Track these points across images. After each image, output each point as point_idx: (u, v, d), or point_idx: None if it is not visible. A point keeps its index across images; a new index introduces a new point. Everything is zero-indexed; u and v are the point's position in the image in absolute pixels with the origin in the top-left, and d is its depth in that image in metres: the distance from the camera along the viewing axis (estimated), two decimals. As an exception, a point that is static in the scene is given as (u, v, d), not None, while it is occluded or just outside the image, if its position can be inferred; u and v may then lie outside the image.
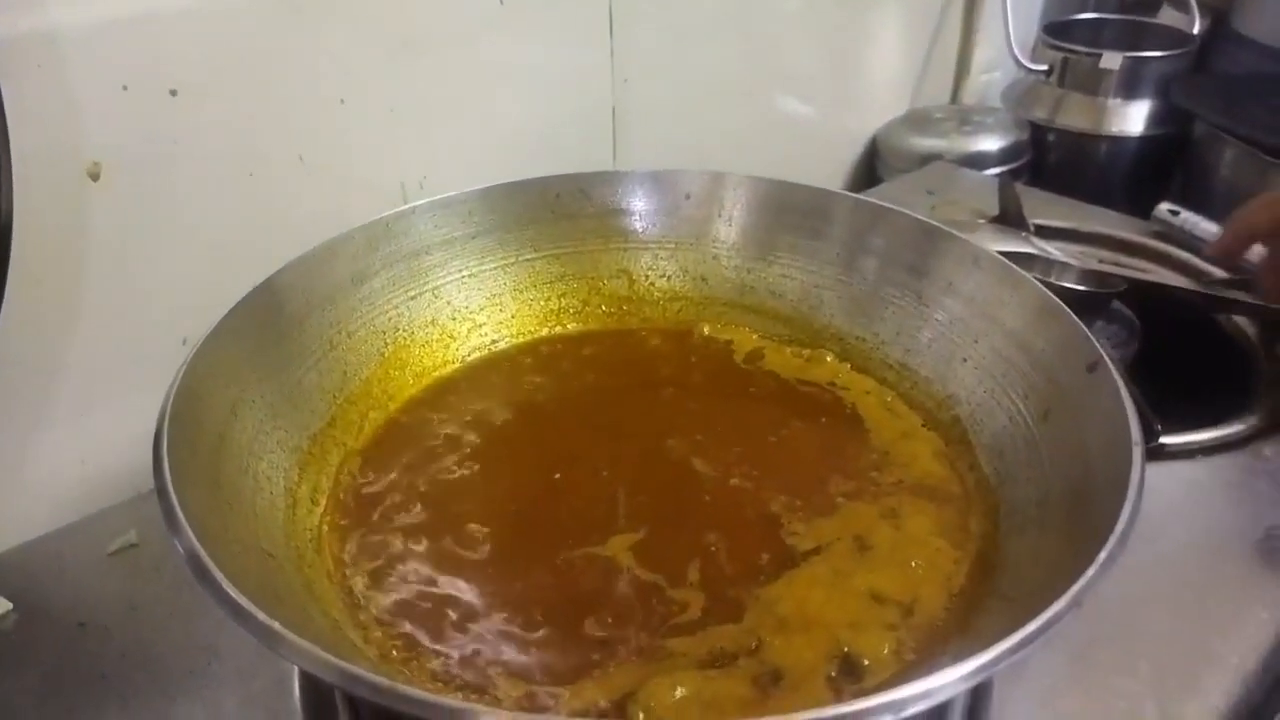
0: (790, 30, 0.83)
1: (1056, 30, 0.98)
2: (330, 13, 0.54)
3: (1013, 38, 0.95)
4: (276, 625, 0.28)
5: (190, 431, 0.36)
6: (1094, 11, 1.14)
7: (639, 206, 0.54)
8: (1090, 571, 0.30)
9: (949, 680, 0.27)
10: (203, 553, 0.30)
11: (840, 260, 0.51)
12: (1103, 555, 0.31)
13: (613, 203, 0.53)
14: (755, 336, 0.52)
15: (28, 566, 0.48)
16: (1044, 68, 0.96)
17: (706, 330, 0.53)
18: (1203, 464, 0.54)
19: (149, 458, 0.33)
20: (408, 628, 0.36)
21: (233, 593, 0.29)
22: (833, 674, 0.35)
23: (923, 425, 0.46)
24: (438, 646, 0.35)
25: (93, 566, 0.48)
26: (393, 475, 0.44)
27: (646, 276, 0.54)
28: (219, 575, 0.29)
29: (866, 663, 0.35)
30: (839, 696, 0.34)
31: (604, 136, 0.71)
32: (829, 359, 0.50)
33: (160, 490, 0.32)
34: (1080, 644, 0.43)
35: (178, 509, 0.31)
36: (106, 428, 0.52)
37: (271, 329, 0.43)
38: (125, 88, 0.48)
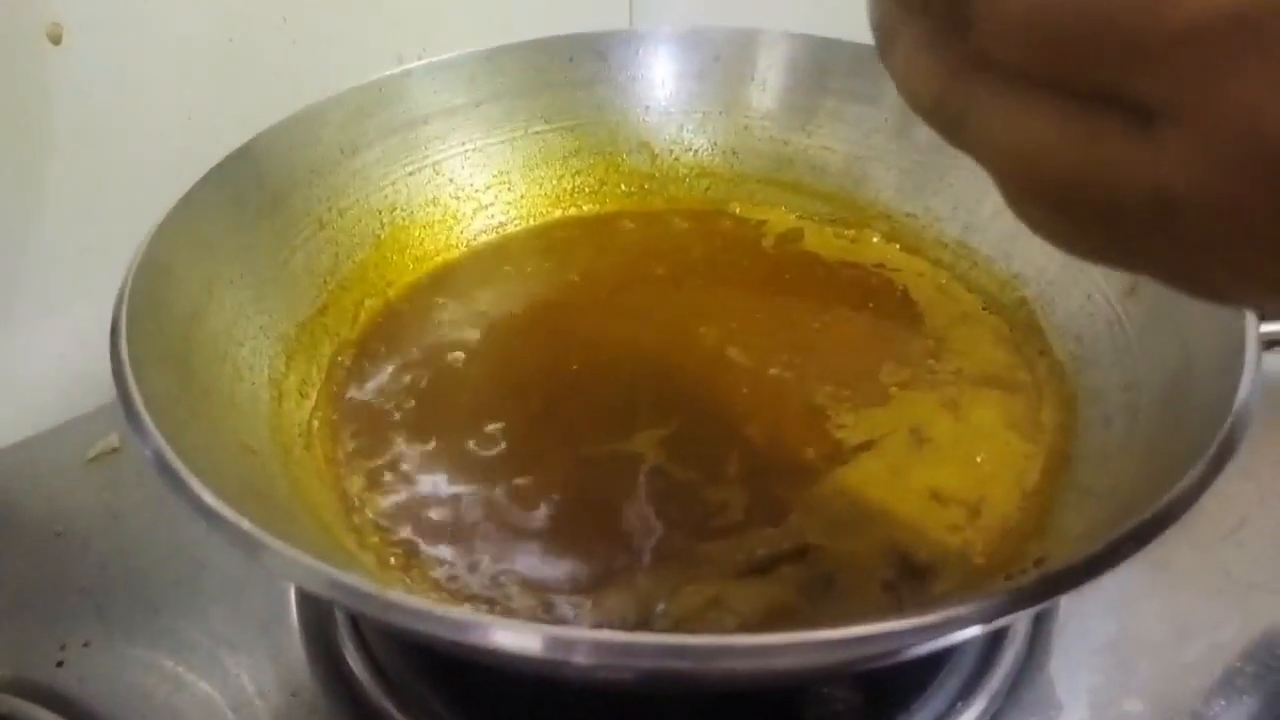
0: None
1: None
2: None
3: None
4: (251, 527, 0.23)
5: (157, 310, 0.31)
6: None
7: (662, 70, 0.48)
8: (1202, 463, 0.26)
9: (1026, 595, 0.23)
10: (167, 449, 0.25)
11: (890, 127, 0.45)
12: (1215, 443, 0.26)
13: (632, 66, 0.48)
14: (793, 216, 0.47)
15: (2, 475, 0.44)
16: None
17: (738, 210, 0.48)
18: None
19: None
20: (409, 532, 0.32)
21: (201, 492, 0.24)
22: (889, 577, 0.30)
23: (983, 308, 0.41)
24: (442, 552, 0.31)
25: (71, 472, 0.44)
26: (392, 368, 0.39)
27: (671, 151, 0.49)
28: (186, 474, 0.25)
29: (930, 565, 0.31)
30: (899, 603, 0.30)
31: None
32: (875, 239, 0.45)
33: (116, 374, 0.28)
34: (1157, 548, 0.39)
35: (136, 396, 0.27)
36: (83, 322, 0.47)
37: (251, 202, 0.38)
38: (87, -64, 0.43)
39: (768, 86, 0.47)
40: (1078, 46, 0.14)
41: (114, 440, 0.45)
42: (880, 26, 0.19)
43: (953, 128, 0.17)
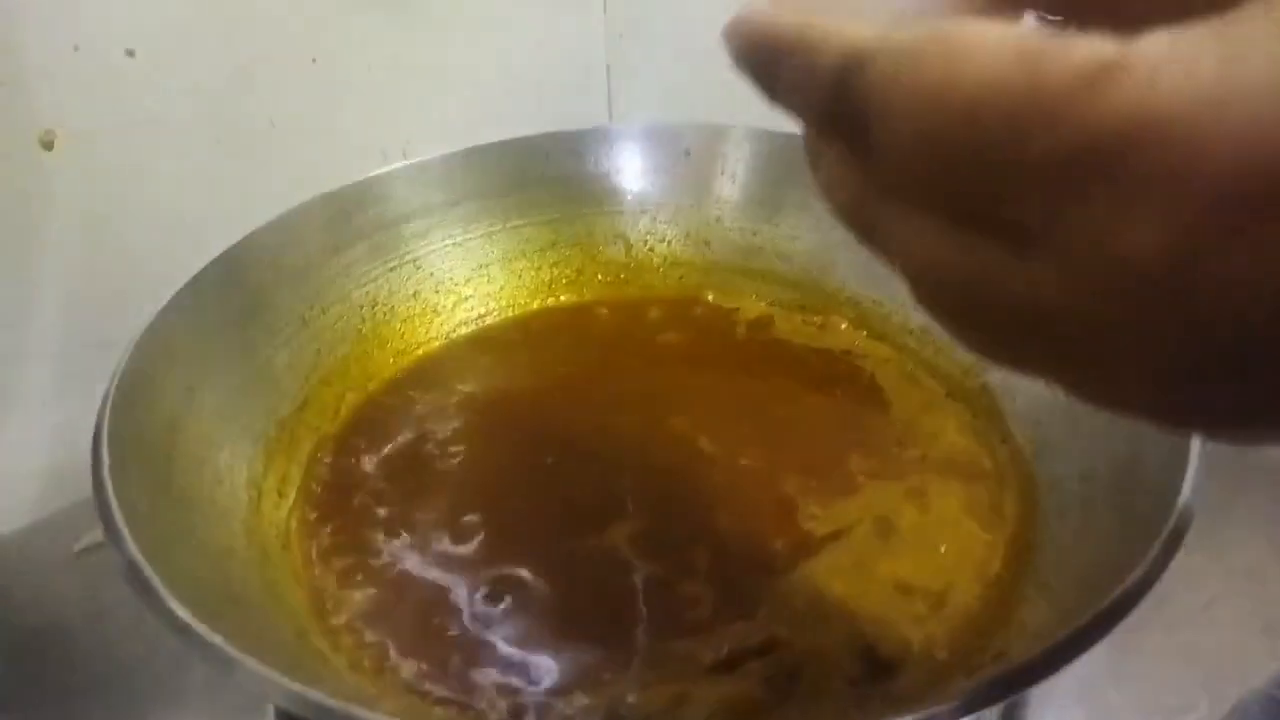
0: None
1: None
2: (297, -36, 0.50)
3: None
4: (221, 642, 0.24)
5: (139, 419, 0.32)
6: None
7: (635, 166, 0.50)
8: (1153, 552, 0.26)
9: (990, 691, 0.24)
10: (140, 559, 0.26)
11: (854, 218, 0.46)
12: (1165, 532, 0.27)
13: (607, 162, 0.49)
14: (763, 304, 0.48)
15: (-14, 568, 0.45)
16: None
17: (710, 298, 0.49)
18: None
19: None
20: (382, 633, 0.32)
21: (172, 603, 0.25)
22: (856, 674, 0.31)
23: (946, 395, 0.42)
24: (415, 653, 0.32)
25: (57, 566, 0.45)
26: (371, 462, 0.40)
27: (645, 242, 0.50)
28: (158, 583, 0.26)
29: (894, 661, 0.31)
30: (863, 700, 0.30)
31: (599, 96, 0.67)
32: (843, 325, 0.47)
33: (97, 486, 0.29)
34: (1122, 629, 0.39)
35: (114, 506, 0.28)
36: (73, 416, 0.48)
37: (235, 305, 0.39)
38: (76, 48, 0.44)
39: (736, 179, 0.49)
40: (957, 174, 0.15)
41: (99, 534, 0.46)
42: (808, 148, 0.20)
43: (866, 237, 0.18)
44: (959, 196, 0.16)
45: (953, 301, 0.17)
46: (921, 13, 0.18)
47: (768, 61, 0.19)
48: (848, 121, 0.17)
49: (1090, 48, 0.14)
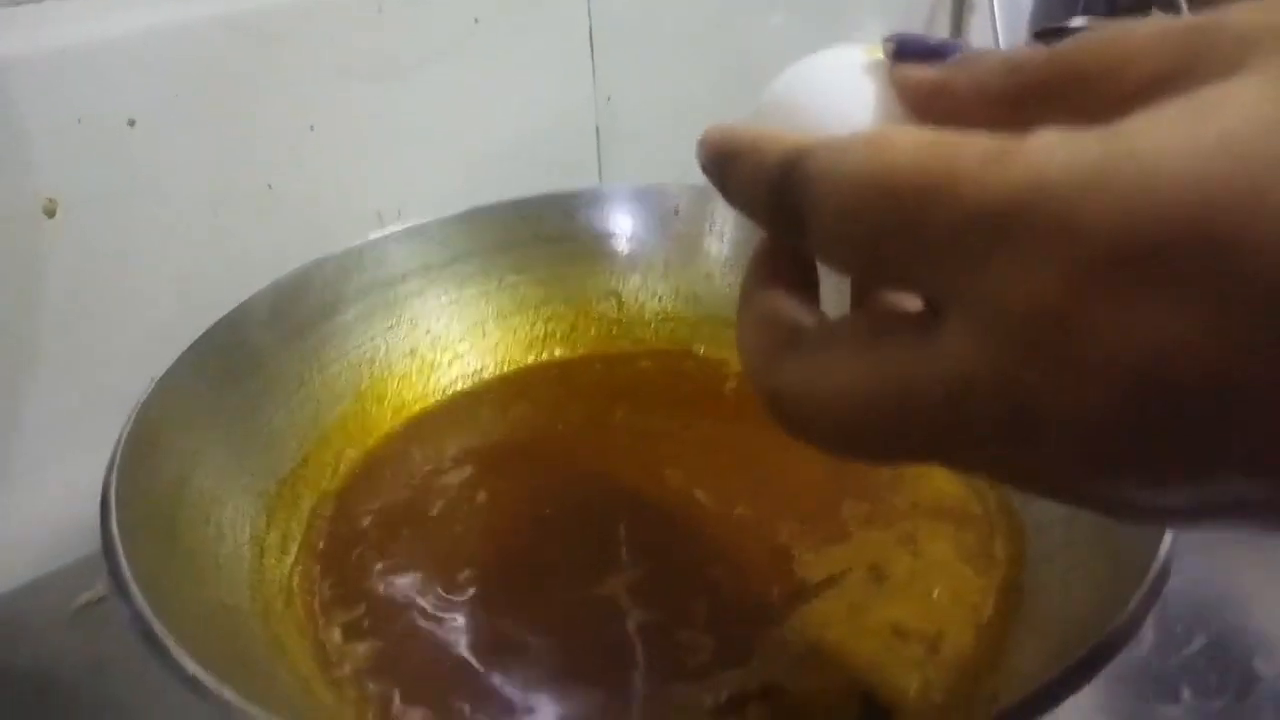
0: (774, 43, 0.81)
1: (1047, 37, 0.97)
2: (295, 36, 0.51)
3: (1002, 44, 0.93)
4: (231, 695, 0.25)
5: (144, 481, 0.33)
6: (1084, 15, 1.12)
7: (625, 225, 0.51)
8: (1138, 594, 0.27)
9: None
10: (150, 615, 0.27)
11: (838, 271, 0.48)
12: (1150, 574, 0.28)
13: (598, 222, 0.51)
14: (753, 355, 0.49)
15: (-12, 629, 0.45)
16: (1036, 74, 0.93)
17: (702, 351, 0.51)
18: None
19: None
20: (386, 684, 0.33)
21: (182, 659, 0.26)
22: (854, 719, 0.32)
23: (936, 442, 0.43)
24: (419, 704, 0.32)
25: (58, 624, 0.45)
26: (370, 518, 0.41)
27: (637, 298, 0.52)
28: (168, 640, 0.26)
29: (891, 706, 0.32)
30: (862, 745, 0.31)
31: (589, 157, 0.68)
32: (831, 376, 0.48)
33: (106, 545, 0.29)
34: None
35: (124, 565, 0.28)
36: (73, 476, 0.48)
37: (236, 366, 0.40)
38: (79, 120, 0.46)
39: (725, 237, 0.50)
40: (878, 245, 0.17)
41: (101, 590, 0.46)
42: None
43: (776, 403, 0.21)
44: (878, 266, 0.18)
45: (879, 415, 0.18)
46: None
47: (725, 162, 0.22)
48: (786, 211, 0.19)
49: (994, 137, 0.16)
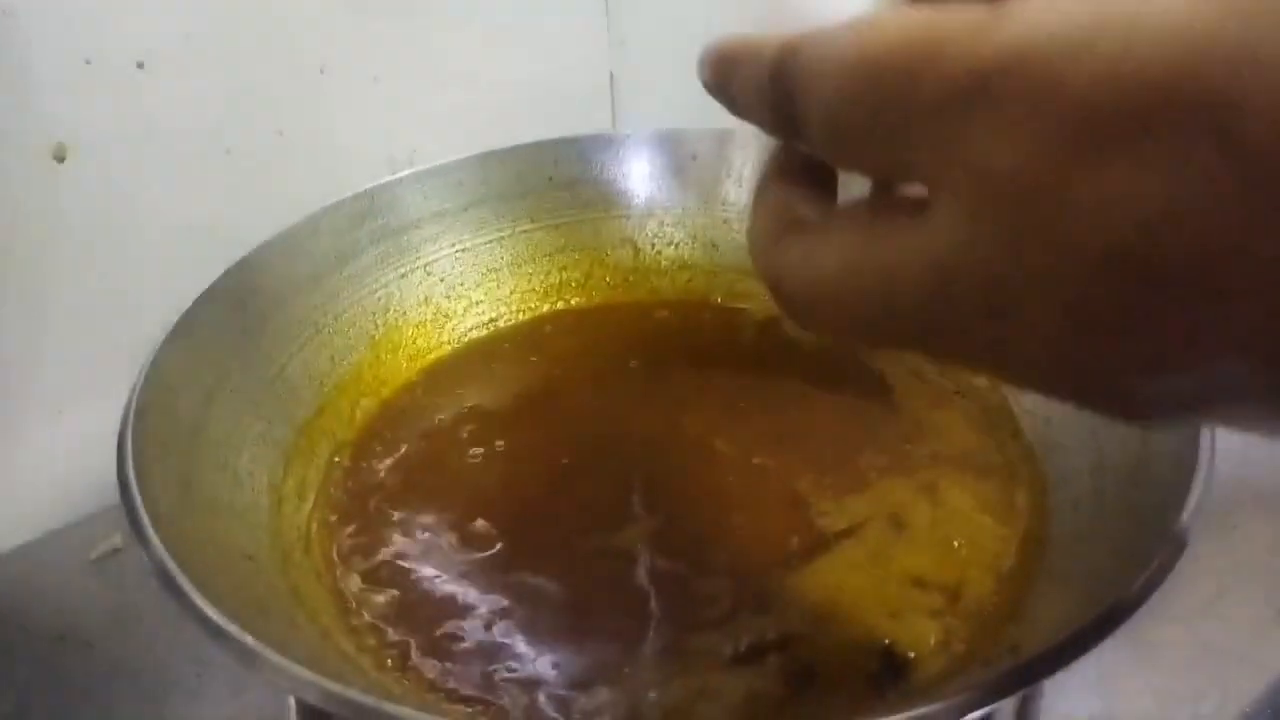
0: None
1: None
2: (305, -25, 0.50)
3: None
4: (251, 641, 0.24)
5: (160, 426, 0.33)
6: None
7: (642, 170, 0.50)
8: (1164, 551, 0.27)
9: (1004, 683, 0.24)
10: (170, 561, 0.27)
11: (860, 218, 0.47)
12: (1177, 529, 0.27)
13: (614, 167, 0.50)
14: (772, 305, 0.49)
15: (5, 577, 0.45)
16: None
17: (719, 300, 0.50)
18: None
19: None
20: (404, 632, 0.33)
21: (203, 605, 0.26)
22: (874, 669, 0.31)
23: (955, 391, 0.43)
24: (437, 652, 0.32)
25: (74, 574, 0.45)
26: (387, 466, 0.40)
27: (653, 245, 0.51)
28: (188, 586, 0.26)
29: (911, 655, 0.31)
30: (881, 696, 0.31)
31: (602, 103, 0.67)
32: (851, 325, 0.47)
33: (123, 490, 0.29)
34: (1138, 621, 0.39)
35: (141, 511, 0.28)
36: (87, 425, 0.48)
37: (250, 313, 0.40)
38: (88, 62, 0.45)
39: (744, 182, 0.49)
40: (869, 126, 0.17)
41: (116, 540, 0.46)
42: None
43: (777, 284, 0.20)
44: (872, 153, 0.17)
45: (869, 295, 0.18)
46: None
47: (725, 72, 0.21)
48: (782, 109, 0.19)
49: (986, 8, 0.15)
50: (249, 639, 0.25)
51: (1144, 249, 0.14)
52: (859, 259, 0.18)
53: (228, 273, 0.39)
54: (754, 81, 0.20)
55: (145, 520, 0.28)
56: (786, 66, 0.18)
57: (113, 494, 0.49)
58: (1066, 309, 0.15)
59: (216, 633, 0.25)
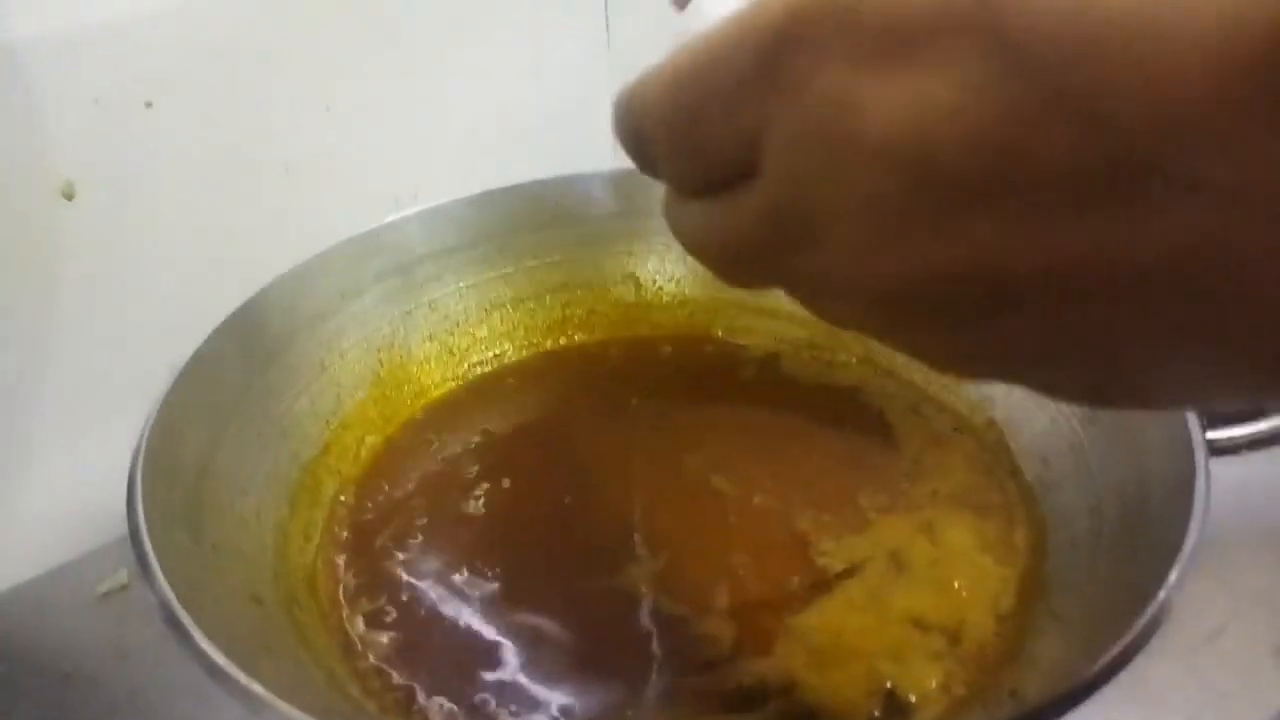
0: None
1: None
2: (311, 14, 0.51)
3: None
4: (259, 688, 0.25)
5: (168, 469, 0.33)
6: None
7: (644, 206, 0.50)
8: (1161, 595, 0.27)
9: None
10: (177, 604, 0.27)
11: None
12: (1173, 576, 0.28)
13: (615, 203, 0.50)
14: (772, 340, 0.49)
15: (11, 614, 0.45)
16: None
17: (720, 334, 0.50)
18: (1249, 460, 0.51)
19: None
20: (409, 675, 0.33)
21: (209, 649, 0.26)
22: (875, 713, 0.32)
23: (955, 430, 0.43)
24: (442, 694, 0.32)
25: (81, 611, 0.45)
26: (391, 504, 0.41)
27: (654, 280, 0.51)
28: (195, 630, 0.26)
29: (913, 699, 0.32)
30: (883, 737, 0.31)
31: (605, 139, 0.68)
32: (851, 361, 0.47)
33: (133, 534, 0.29)
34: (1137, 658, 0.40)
35: (151, 555, 0.28)
36: (92, 460, 0.48)
37: (257, 353, 0.40)
38: (96, 101, 0.45)
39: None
40: (690, 132, 0.18)
41: (123, 577, 0.47)
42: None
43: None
44: (699, 150, 0.18)
45: (721, 250, 0.20)
46: None
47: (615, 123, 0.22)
48: (634, 142, 0.21)
49: None
50: (256, 685, 0.25)
51: (925, 149, 0.14)
52: (710, 220, 0.19)
53: (234, 314, 0.39)
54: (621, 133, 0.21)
55: (154, 563, 0.28)
56: (633, 107, 0.20)
57: (118, 527, 0.49)
58: (866, 217, 0.15)
59: (221, 676, 0.26)
